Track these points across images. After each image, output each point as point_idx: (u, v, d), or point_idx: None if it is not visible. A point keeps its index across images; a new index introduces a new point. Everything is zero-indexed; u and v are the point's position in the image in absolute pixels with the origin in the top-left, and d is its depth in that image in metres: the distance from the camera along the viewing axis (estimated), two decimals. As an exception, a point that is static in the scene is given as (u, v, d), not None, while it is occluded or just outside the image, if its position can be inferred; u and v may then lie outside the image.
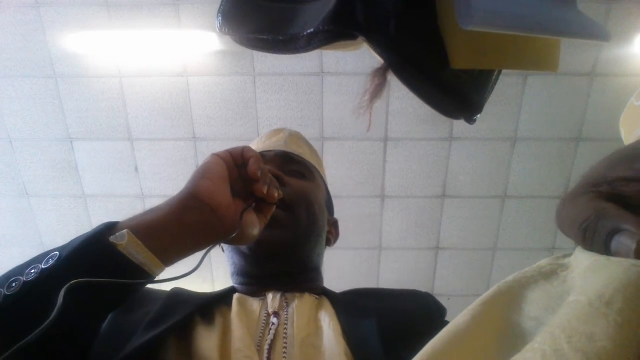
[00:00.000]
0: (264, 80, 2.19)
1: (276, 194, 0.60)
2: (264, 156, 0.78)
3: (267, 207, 0.62)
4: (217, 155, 0.58)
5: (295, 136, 0.87)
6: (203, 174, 0.55)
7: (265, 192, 0.57)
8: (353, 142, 2.29)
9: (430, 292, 0.72)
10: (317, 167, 0.86)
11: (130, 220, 0.51)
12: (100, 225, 0.49)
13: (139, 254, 0.47)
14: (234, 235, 0.54)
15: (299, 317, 0.60)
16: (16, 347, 0.37)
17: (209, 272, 2.56)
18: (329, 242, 0.84)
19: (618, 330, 0.26)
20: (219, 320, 0.60)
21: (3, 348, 0.41)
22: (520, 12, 0.38)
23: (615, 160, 0.38)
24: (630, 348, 0.25)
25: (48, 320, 0.38)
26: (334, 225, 0.87)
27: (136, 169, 2.38)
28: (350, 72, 2.15)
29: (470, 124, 0.44)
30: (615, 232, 0.32)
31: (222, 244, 0.77)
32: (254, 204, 0.59)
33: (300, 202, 0.73)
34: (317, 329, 0.59)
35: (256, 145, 0.85)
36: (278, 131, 0.88)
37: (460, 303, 2.66)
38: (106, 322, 0.56)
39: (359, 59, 2.07)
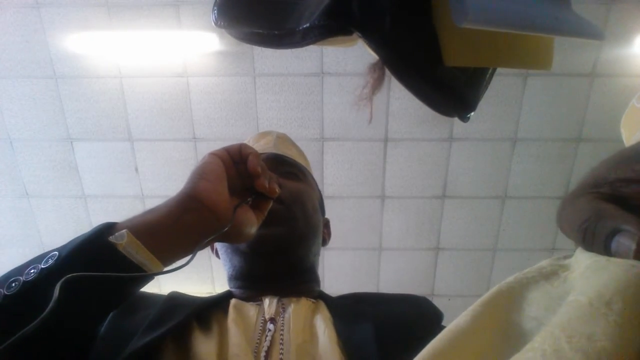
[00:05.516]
0: (264, 81, 2.19)
1: (277, 188, 0.61)
2: None
3: (264, 203, 0.63)
4: (214, 154, 0.58)
5: (282, 138, 0.89)
6: (201, 175, 0.55)
7: (267, 186, 0.59)
8: (353, 142, 2.29)
9: (430, 292, 0.72)
10: (307, 167, 0.88)
11: (129, 220, 0.51)
12: (100, 225, 0.49)
13: (138, 253, 0.47)
14: (226, 228, 0.55)
15: (294, 322, 0.61)
16: (10, 340, 0.36)
17: (209, 272, 2.56)
18: (324, 242, 0.86)
19: (618, 330, 0.26)
20: (215, 326, 0.60)
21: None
22: (514, 10, 0.38)
23: (616, 161, 0.38)
24: (630, 348, 0.25)
25: (44, 313, 0.37)
26: (326, 225, 0.89)
27: (136, 169, 2.38)
28: (350, 72, 2.15)
29: (464, 121, 0.44)
30: (615, 232, 0.32)
31: (220, 249, 0.78)
32: (250, 200, 0.60)
33: (296, 202, 0.74)
34: (312, 336, 0.59)
35: None
36: (265, 134, 0.89)
37: (460, 303, 2.66)
38: (105, 324, 0.57)
39: (359, 59, 2.07)
